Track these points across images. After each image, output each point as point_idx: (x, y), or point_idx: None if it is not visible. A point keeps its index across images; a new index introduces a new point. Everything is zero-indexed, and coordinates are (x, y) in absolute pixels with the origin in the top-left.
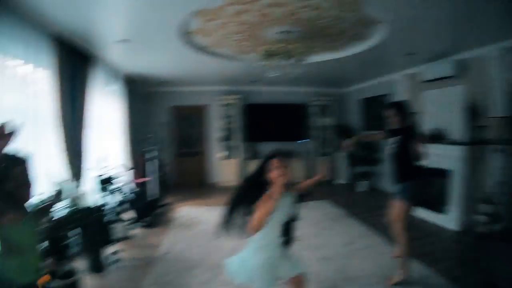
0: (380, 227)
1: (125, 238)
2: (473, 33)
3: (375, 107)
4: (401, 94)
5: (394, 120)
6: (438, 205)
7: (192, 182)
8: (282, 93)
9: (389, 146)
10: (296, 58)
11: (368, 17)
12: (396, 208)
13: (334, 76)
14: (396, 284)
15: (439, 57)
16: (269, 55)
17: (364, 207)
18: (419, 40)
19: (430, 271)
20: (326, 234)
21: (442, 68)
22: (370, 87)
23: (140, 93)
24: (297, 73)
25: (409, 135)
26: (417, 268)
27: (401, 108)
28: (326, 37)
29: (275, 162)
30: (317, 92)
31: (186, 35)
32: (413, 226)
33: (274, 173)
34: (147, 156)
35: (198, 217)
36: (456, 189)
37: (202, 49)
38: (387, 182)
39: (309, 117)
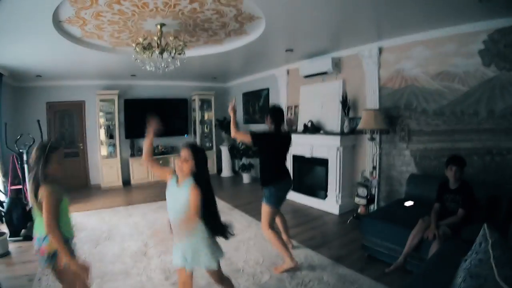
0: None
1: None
2: (349, 34)
3: (256, 101)
4: (281, 88)
5: (269, 125)
6: (319, 191)
7: (73, 185)
8: (163, 87)
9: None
10: (173, 51)
11: (247, 12)
12: (262, 210)
13: (216, 71)
14: (284, 271)
15: (317, 54)
16: (145, 48)
17: (248, 198)
18: (299, 37)
19: (315, 253)
20: None
21: (320, 64)
22: (251, 81)
23: (10, 88)
24: (175, 67)
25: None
26: (303, 253)
27: (274, 113)
28: (206, 30)
29: (182, 153)
30: (198, 86)
31: (59, 24)
32: (298, 213)
33: (179, 163)
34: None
35: (80, 223)
36: (334, 176)
37: (77, 40)
38: None
39: (190, 112)
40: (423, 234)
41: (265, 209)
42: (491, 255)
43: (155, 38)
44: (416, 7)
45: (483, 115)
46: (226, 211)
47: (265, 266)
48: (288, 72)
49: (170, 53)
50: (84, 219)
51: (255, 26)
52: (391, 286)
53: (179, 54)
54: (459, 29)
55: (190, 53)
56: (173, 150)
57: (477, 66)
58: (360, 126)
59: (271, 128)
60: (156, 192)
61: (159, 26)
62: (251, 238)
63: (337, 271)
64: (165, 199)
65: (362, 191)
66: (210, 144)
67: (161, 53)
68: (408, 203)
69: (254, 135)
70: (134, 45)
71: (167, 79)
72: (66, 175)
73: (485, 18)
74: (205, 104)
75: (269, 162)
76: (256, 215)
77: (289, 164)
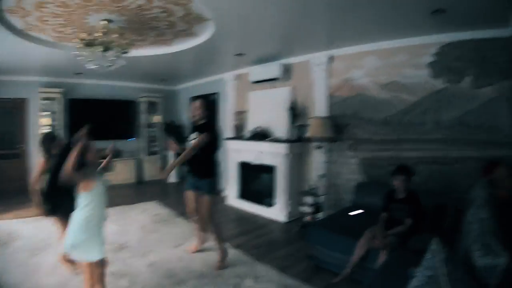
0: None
1: None
2: (301, 41)
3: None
4: (229, 93)
5: (197, 114)
6: (266, 199)
7: (12, 189)
8: (110, 87)
9: (191, 142)
10: (118, 49)
11: (197, 13)
12: (203, 202)
13: (164, 72)
14: (220, 268)
15: (267, 60)
16: (87, 44)
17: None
18: (249, 42)
19: (261, 263)
20: (154, 238)
21: (270, 70)
22: (201, 85)
23: None
24: (119, 66)
25: (207, 129)
26: (249, 263)
27: (204, 104)
28: (153, 29)
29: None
30: (146, 88)
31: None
32: (244, 221)
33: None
34: None
35: (16, 231)
36: (281, 184)
37: (19, 32)
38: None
39: (137, 114)
40: (370, 245)
41: (210, 199)
42: (441, 271)
43: (99, 34)
44: (369, 18)
45: (430, 125)
46: (170, 220)
47: (209, 278)
48: (237, 77)
49: (114, 51)
50: (21, 227)
51: (204, 28)
52: None
53: (124, 53)
54: (410, 41)
55: (138, 53)
56: (118, 154)
57: (426, 77)
58: (308, 133)
59: (203, 118)
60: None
61: (104, 22)
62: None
63: (283, 282)
64: (116, 205)
65: (309, 199)
66: (156, 149)
67: (105, 51)
68: (355, 212)
69: (212, 131)
70: (77, 41)
71: (114, 79)
72: (3, 178)
73: (436, 32)
74: (152, 106)
75: (212, 155)
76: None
77: (235, 171)
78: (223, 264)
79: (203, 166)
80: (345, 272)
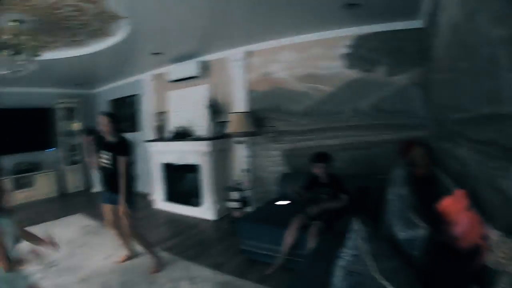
0: (142, 231)
1: None
2: (218, 38)
3: (124, 109)
4: (149, 94)
5: (106, 130)
6: (194, 199)
7: None
8: (21, 95)
9: (103, 158)
10: (29, 53)
11: (110, 11)
12: (121, 216)
13: (81, 76)
14: (155, 272)
15: (185, 58)
16: None
17: None
18: (166, 40)
19: (194, 264)
20: (83, 252)
21: (188, 68)
22: (119, 87)
23: None
24: (31, 71)
25: (119, 150)
26: (182, 265)
27: (113, 118)
28: (66, 30)
29: None
30: (63, 93)
31: None
32: (174, 223)
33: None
34: None
35: None
36: (207, 182)
37: None
38: (142, 185)
39: (55, 122)
40: (299, 232)
41: (127, 213)
42: (364, 249)
43: (9, 36)
44: (285, 13)
45: (348, 113)
46: (97, 231)
47: (144, 286)
48: (156, 76)
49: (24, 55)
50: None
51: (120, 27)
52: (275, 287)
53: (35, 56)
54: (325, 34)
55: (51, 55)
56: (37, 167)
57: (342, 68)
58: (229, 130)
59: (112, 133)
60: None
61: (14, 23)
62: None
63: (219, 280)
64: (39, 223)
65: (235, 194)
66: (77, 158)
67: (15, 54)
68: (282, 202)
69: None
70: None
71: (27, 86)
72: None
73: (350, 25)
74: (70, 113)
75: (129, 167)
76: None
77: (159, 173)
78: (156, 269)
79: (118, 182)
80: (277, 262)
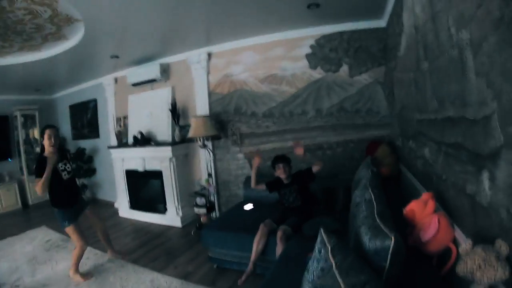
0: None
1: None
2: (178, 39)
3: (84, 114)
4: (109, 98)
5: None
6: (158, 206)
7: None
8: None
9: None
10: None
11: (64, 13)
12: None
13: (38, 81)
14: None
15: (145, 60)
16: None
17: (85, 223)
18: (124, 42)
19: (162, 275)
20: (48, 269)
21: (148, 71)
22: (78, 92)
23: None
24: None
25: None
26: (149, 278)
27: (54, 130)
28: (20, 34)
29: None
30: (20, 100)
31: None
32: (139, 232)
33: None
34: None
35: None
36: (171, 188)
37: None
38: (106, 193)
39: (13, 131)
40: (267, 238)
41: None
42: (333, 263)
43: None
44: (245, 13)
45: (311, 114)
46: (62, 244)
47: None
48: (116, 80)
49: None
50: None
51: (75, 29)
52: None
53: None
54: (286, 35)
55: (5, 61)
56: None
57: (304, 69)
58: (191, 134)
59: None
60: None
61: None
62: (91, 273)
63: None
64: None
65: (201, 200)
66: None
67: None
68: (248, 207)
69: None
70: None
71: None
72: None
73: (312, 25)
74: (28, 120)
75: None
76: (96, 243)
77: (123, 180)
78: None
79: (68, 193)
80: (248, 270)
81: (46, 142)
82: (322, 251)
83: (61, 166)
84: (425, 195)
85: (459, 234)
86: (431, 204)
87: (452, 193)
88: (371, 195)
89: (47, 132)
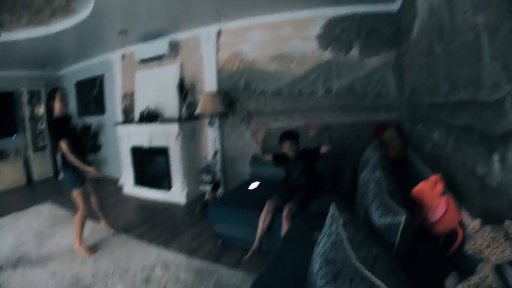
0: (112, 218)
1: None
2: (188, 15)
3: (91, 90)
4: (116, 74)
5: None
6: (164, 182)
7: None
8: None
9: None
10: None
11: None
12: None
13: (44, 57)
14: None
15: (153, 36)
16: None
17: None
18: (133, 17)
19: (167, 251)
20: (53, 244)
21: (157, 47)
22: (85, 68)
23: None
24: None
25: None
26: (154, 252)
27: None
28: (28, 7)
29: None
30: (26, 76)
31: None
32: (144, 208)
33: None
34: None
35: None
36: (176, 165)
37: None
38: (112, 169)
39: (19, 107)
40: (273, 215)
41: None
42: (345, 236)
43: None
44: None
45: (320, 94)
46: (67, 220)
47: (117, 276)
48: (123, 56)
49: None
50: None
51: (84, 3)
52: (250, 271)
53: None
54: (297, 14)
55: (12, 36)
56: (1, 155)
57: (315, 49)
58: (198, 110)
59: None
60: None
61: None
62: (97, 246)
63: (193, 265)
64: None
65: (207, 177)
66: (44, 143)
67: None
68: (253, 185)
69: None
70: None
71: None
72: None
73: (324, 5)
74: (34, 96)
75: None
76: (98, 217)
77: (128, 157)
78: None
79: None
80: (253, 247)
81: (59, 103)
82: (333, 225)
83: (72, 125)
84: (434, 177)
85: (466, 217)
86: (440, 186)
87: (461, 175)
88: (381, 174)
89: (59, 92)
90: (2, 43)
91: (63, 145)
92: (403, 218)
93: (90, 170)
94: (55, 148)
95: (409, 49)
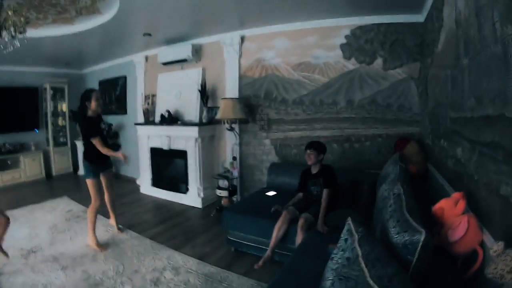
0: (127, 217)
1: None
2: (212, 20)
3: (113, 90)
4: (138, 76)
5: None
6: (180, 185)
7: None
8: (8, 73)
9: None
10: (13, 29)
11: None
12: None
13: (69, 55)
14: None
15: (177, 40)
16: None
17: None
18: (158, 20)
19: (179, 254)
20: (66, 238)
21: (180, 51)
22: (108, 68)
23: None
24: (15, 49)
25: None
26: (166, 254)
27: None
28: (54, 6)
29: None
30: (50, 73)
31: None
32: (160, 210)
33: None
34: None
35: None
36: (194, 168)
37: None
38: (129, 169)
39: (42, 102)
40: (288, 225)
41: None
42: (359, 253)
43: None
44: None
45: (342, 105)
46: (82, 215)
47: (126, 275)
48: (146, 58)
49: (8, 31)
50: None
51: (110, 4)
52: (261, 280)
53: (20, 32)
54: (321, 23)
55: (38, 33)
56: (22, 147)
57: (338, 58)
58: (219, 116)
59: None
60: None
61: None
62: (109, 244)
63: (204, 270)
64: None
65: (223, 182)
66: (64, 139)
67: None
68: (270, 193)
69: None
70: None
71: (12, 64)
72: None
73: (349, 15)
74: (58, 93)
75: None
76: (116, 216)
77: (147, 158)
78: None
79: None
80: (266, 256)
81: (94, 103)
82: (349, 240)
83: (102, 125)
84: (456, 194)
85: (487, 237)
86: (461, 204)
87: (484, 193)
88: (400, 189)
89: (95, 94)
90: (27, 39)
91: (97, 141)
92: (422, 237)
93: (120, 155)
94: (86, 144)
95: (434, 61)
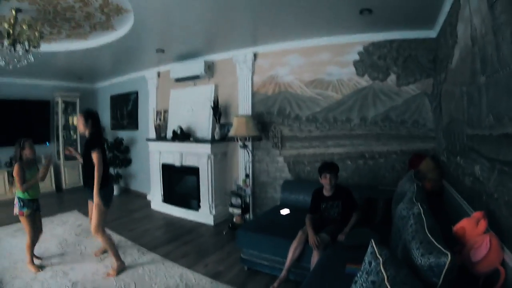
0: (138, 233)
1: None
2: (224, 37)
3: (125, 105)
4: (150, 92)
5: (81, 129)
6: (192, 202)
7: None
8: (21, 86)
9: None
10: (26, 43)
11: (115, 3)
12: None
13: (81, 69)
14: (111, 275)
15: (190, 56)
16: None
17: (116, 213)
18: (171, 37)
19: (191, 272)
20: (76, 253)
21: (192, 67)
22: (121, 83)
23: None
24: (28, 62)
25: (90, 144)
26: (178, 273)
27: (90, 115)
28: (68, 21)
29: None
30: (63, 86)
31: None
32: (171, 227)
33: None
34: None
35: None
36: (206, 185)
37: None
38: (140, 185)
39: (53, 116)
40: (304, 245)
41: (98, 210)
42: (385, 276)
43: (6, 25)
44: (293, 16)
45: (355, 122)
46: (88, 230)
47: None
48: (158, 74)
49: (22, 45)
50: None
51: (124, 20)
52: None
53: (34, 47)
54: (334, 40)
55: (52, 47)
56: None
57: (351, 75)
58: (232, 133)
59: (87, 130)
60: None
61: (13, 11)
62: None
63: None
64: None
65: (236, 200)
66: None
67: (13, 44)
68: (284, 211)
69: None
70: None
71: (25, 77)
72: None
73: (362, 31)
74: (69, 106)
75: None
76: (124, 232)
77: (158, 173)
78: (114, 272)
79: (93, 178)
80: (281, 276)
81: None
82: (373, 263)
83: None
84: (477, 214)
85: (508, 257)
86: (483, 224)
87: (505, 212)
88: (420, 209)
89: (95, 114)
90: (41, 53)
91: (96, 155)
92: (448, 260)
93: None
94: (86, 161)
95: (448, 77)
